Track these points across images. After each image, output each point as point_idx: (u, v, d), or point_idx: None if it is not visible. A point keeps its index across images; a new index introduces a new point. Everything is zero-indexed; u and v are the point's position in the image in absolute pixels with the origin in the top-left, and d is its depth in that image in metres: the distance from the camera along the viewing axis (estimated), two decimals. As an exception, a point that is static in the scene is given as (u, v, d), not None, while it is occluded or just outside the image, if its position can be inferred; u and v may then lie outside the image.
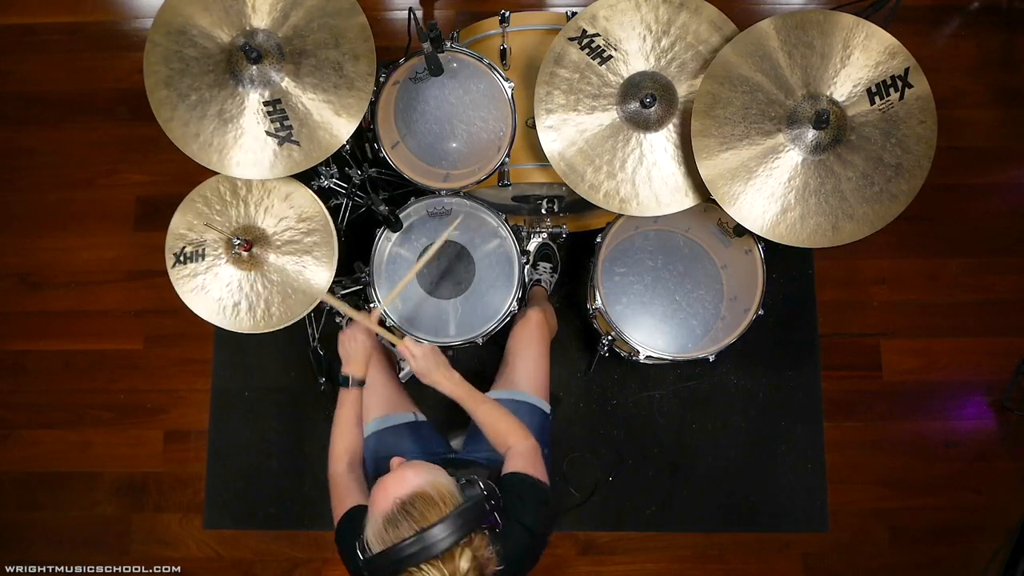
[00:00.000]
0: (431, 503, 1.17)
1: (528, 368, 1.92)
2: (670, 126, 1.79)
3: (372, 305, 2.03)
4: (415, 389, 1.94)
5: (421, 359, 1.65)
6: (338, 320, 2.51)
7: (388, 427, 1.85)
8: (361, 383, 1.74)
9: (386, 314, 2.00)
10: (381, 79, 1.92)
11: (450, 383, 1.65)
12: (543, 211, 2.19)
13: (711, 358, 1.96)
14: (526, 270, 2.45)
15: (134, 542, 2.60)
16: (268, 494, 2.57)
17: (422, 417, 1.94)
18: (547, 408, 1.89)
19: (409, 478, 1.21)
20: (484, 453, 1.69)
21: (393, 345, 1.74)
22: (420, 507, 1.17)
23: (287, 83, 1.70)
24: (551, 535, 1.46)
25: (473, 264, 2.06)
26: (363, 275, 2.07)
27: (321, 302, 1.87)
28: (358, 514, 1.35)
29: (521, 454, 1.51)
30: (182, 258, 1.87)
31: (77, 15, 2.87)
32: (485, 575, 1.20)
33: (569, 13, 1.91)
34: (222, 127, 1.71)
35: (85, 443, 2.64)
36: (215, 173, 1.79)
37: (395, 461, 1.31)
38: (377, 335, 1.78)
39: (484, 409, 1.62)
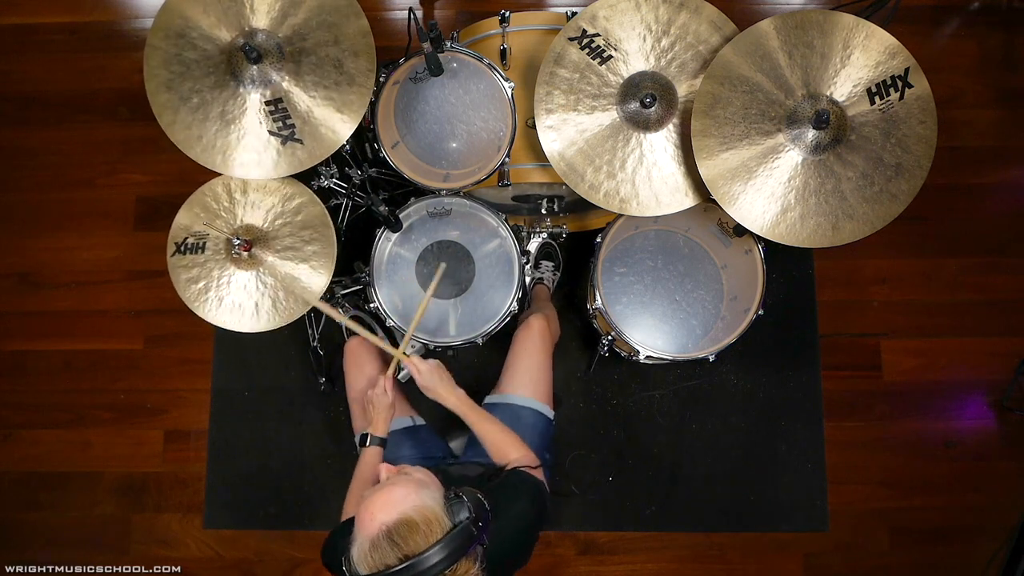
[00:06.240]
0: (416, 530, 1.15)
1: (531, 375, 1.93)
2: (670, 126, 1.79)
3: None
4: (413, 391, 1.93)
5: (427, 374, 1.69)
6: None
7: None
8: (384, 442, 1.74)
9: (387, 314, 2.00)
10: (381, 79, 1.92)
11: (454, 398, 1.69)
12: (543, 211, 2.19)
13: (711, 358, 1.96)
14: (528, 269, 2.45)
15: (134, 542, 2.60)
16: (268, 494, 2.57)
17: (420, 421, 1.94)
18: (550, 414, 1.90)
19: (396, 501, 1.19)
20: (485, 458, 1.70)
21: (400, 364, 1.75)
22: (404, 534, 1.15)
23: (288, 82, 1.69)
24: (545, 524, 1.50)
25: (473, 264, 2.06)
26: (363, 275, 2.07)
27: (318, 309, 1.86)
28: (345, 530, 1.33)
29: (519, 460, 1.56)
30: (183, 248, 1.88)
31: (77, 15, 2.88)
32: None
33: (569, 13, 1.91)
34: (224, 128, 1.71)
35: (85, 443, 2.64)
36: (216, 173, 1.79)
37: (383, 469, 1.31)
38: (383, 350, 1.79)
39: (486, 426, 1.67)
